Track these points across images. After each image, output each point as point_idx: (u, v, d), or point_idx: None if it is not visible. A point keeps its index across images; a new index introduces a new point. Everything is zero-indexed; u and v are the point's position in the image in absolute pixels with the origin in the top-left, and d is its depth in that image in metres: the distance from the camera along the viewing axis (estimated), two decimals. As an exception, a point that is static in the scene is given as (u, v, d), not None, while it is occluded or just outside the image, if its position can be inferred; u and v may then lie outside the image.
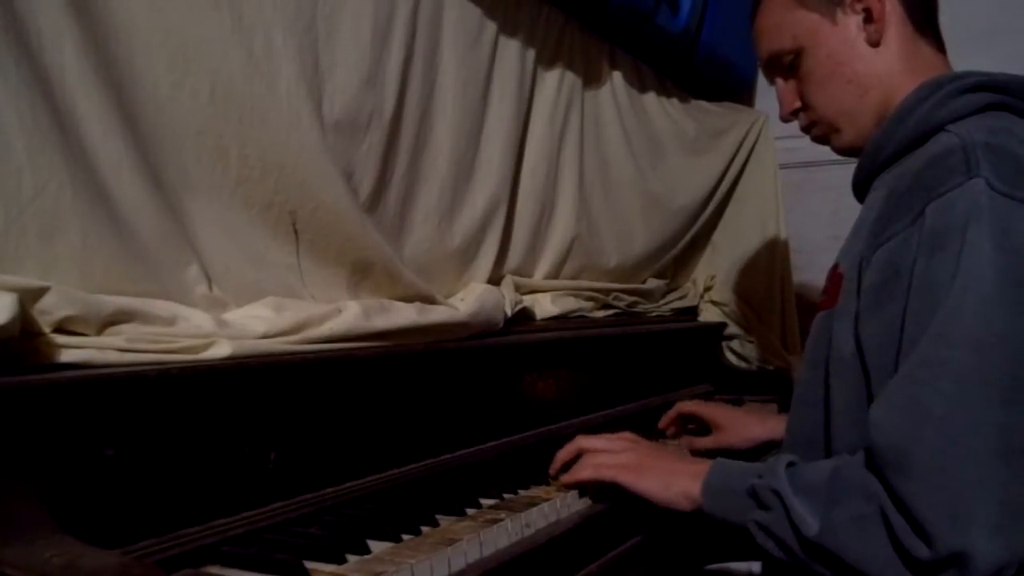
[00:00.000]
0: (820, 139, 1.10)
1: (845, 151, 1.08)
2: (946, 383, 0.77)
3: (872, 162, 1.01)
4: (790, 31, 1.06)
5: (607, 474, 0.99)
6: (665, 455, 1.03)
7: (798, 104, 1.10)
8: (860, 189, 1.04)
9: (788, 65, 1.08)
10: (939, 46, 1.05)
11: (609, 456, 1.01)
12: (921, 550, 0.73)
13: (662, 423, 1.39)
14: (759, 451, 1.28)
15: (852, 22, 1.02)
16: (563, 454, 1.06)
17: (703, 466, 0.95)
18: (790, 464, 0.87)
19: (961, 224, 0.80)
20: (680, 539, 1.07)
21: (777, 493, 0.84)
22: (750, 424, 1.31)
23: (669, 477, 0.96)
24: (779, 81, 1.12)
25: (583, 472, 1.01)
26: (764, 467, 0.89)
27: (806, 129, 1.11)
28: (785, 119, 1.13)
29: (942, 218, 0.82)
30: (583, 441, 1.06)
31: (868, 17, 1.01)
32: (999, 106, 0.91)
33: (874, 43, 1.02)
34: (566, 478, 1.02)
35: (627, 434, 1.10)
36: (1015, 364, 0.76)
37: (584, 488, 1.00)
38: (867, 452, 0.81)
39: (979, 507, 0.73)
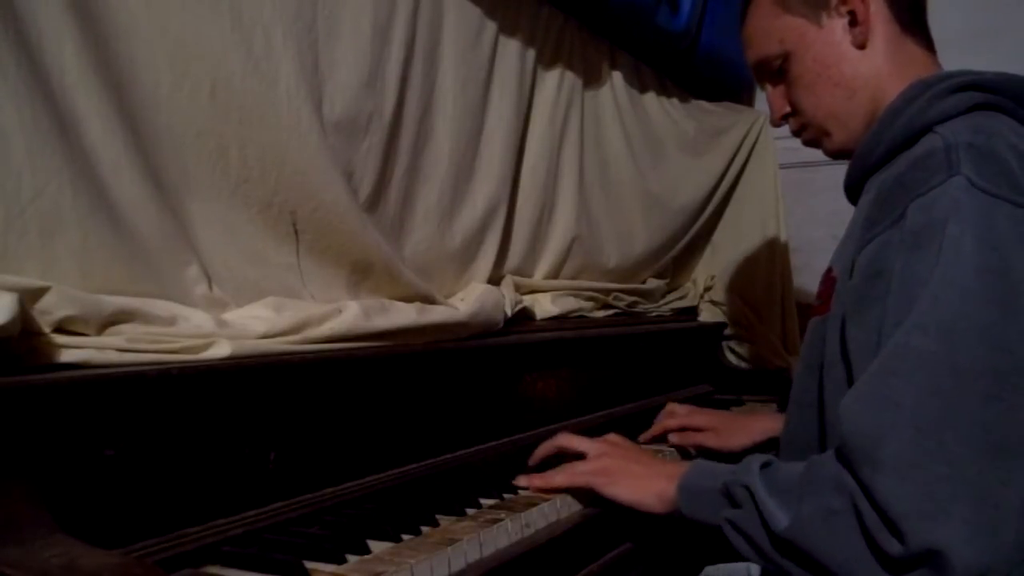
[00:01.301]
0: (811, 143, 1.10)
1: (836, 154, 1.08)
2: (919, 373, 0.75)
3: (863, 164, 1.00)
4: (776, 36, 1.06)
5: (580, 480, 0.99)
6: (645, 458, 1.02)
7: (788, 109, 1.09)
8: (852, 192, 1.04)
9: (776, 70, 1.08)
10: (928, 45, 1.04)
11: (584, 462, 1.01)
12: (893, 546, 0.71)
13: (644, 438, 1.35)
14: (760, 451, 1.28)
15: (837, 25, 1.02)
16: (543, 450, 1.07)
17: (680, 467, 0.95)
18: (766, 464, 0.86)
19: (941, 220, 0.79)
20: (679, 541, 1.07)
21: (748, 489, 0.83)
22: (743, 425, 1.31)
23: (643, 480, 0.96)
24: (769, 86, 1.12)
25: (557, 478, 1.01)
26: (739, 465, 0.88)
27: (797, 133, 1.11)
28: (776, 124, 1.13)
29: (923, 216, 0.81)
30: (563, 440, 1.07)
31: (853, 20, 1.01)
32: (988, 106, 0.91)
33: (860, 45, 1.01)
34: (539, 482, 1.01)
35: (612, 436, 1.09)
36: (996, 359, 0.74)
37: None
38: (838, 446, 0.79)
39: (954, 503, 0.70)
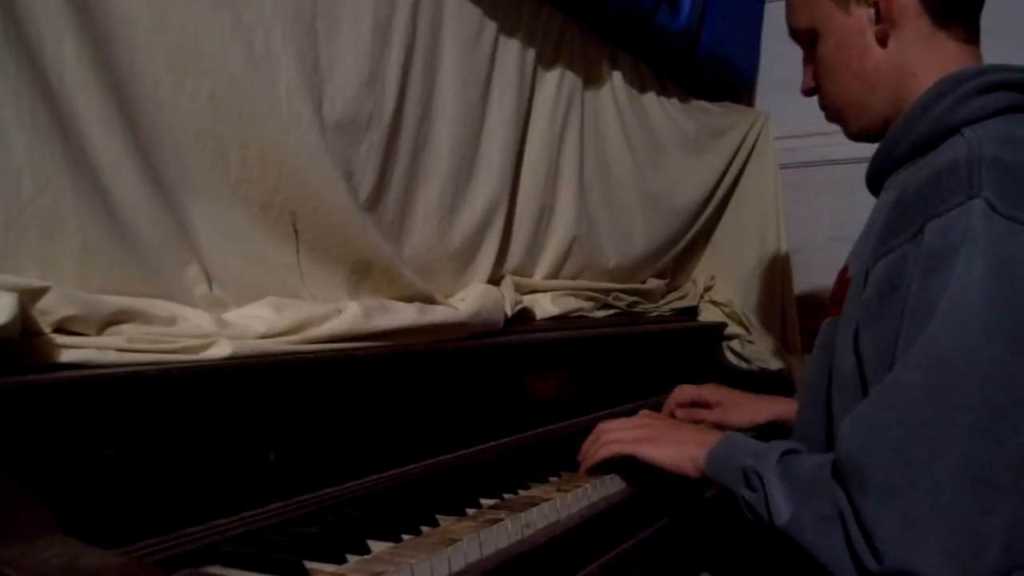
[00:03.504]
0: (833, 122, 1.09)
1: (856, 139, 1.07)
2: (907, 407, 0.77)
3: (886, 159, 0.99)
4: (808, 13, 1.04)
5: (623, 449, 1.05)
6: (679, 427, 1.09)
7: (814, 84, 1.08)
8: (874, 185, 1.03)
9: (808, 44, 1.06)
10: (967, 37, 0.99)
11: (625, 432, 1.06)
12: (871, 563, 0.74)
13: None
14: (765, 432, 1.30)
15: (864, 15, 0.99)
16: (586, 445, 1.10)
17: (713, 436, 0.99)
18: (787, 452, 0.88)
19: (956, 247, 0.78)
20: (680, 541, 1.08)
21: (761, 479, 0.87)
22: (747, 407, 1.34)
23: (680, 446, 1.01)
24: (804, 55, 1.10)
25: (600, 451, 1.06)
26: (763, 449, 0.91)
27: (823, 109, 1.10)
28: (804, 95, 1.11)
29: (939, 239, 0.80)
30: (602, 425, 1.11)
31: (878, 14, 0.98)
32: (1019, 108, 0.88)
33: (883, 41, 0.99)
34: (586, 463, 1.07)
35: (645, 411, 1.16)
36: (990, 392, 0.75)
37: (605, 469, 1.06)
38: (833, 462, 0.82)
39: (931, 532, 0.72)
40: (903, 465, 0.75)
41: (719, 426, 1.31)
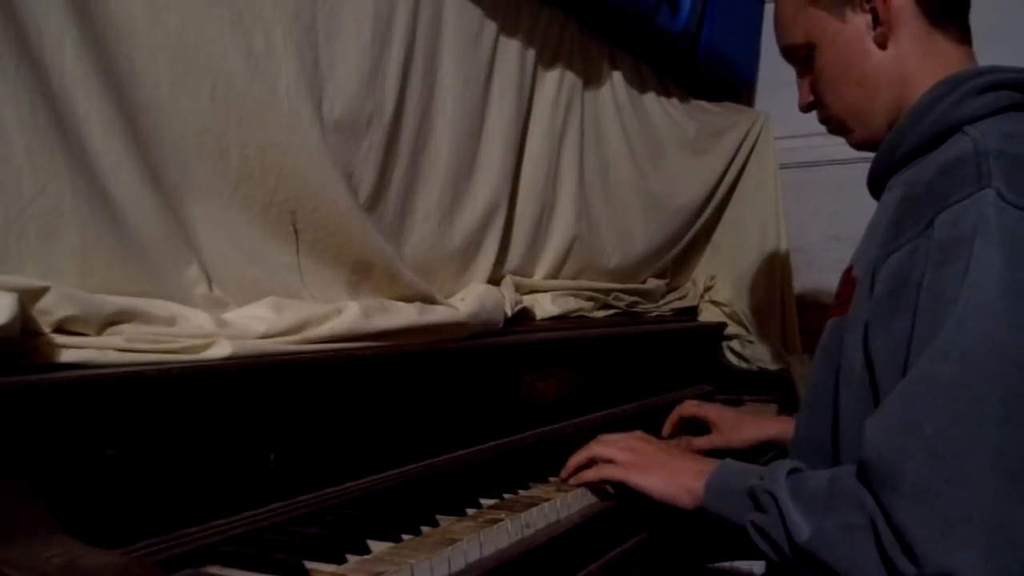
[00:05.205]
0: (836, 133, 1.09)
1: (860, 147, 1.07)
2: (940, 401, 0.76)
3: (887, 160, 0.99)
4: (802, 27, 1.04)
5: (614, 474, 1.01)
6: (673, 454, 1.04)
7: (812, 98, 1.08)
8: (875, 187, 1.03)
9: (803, 59, 1.06)
10: (962, 37, 1.00)
11: (617, 453, 1.03)
12: (908, 567, 0.73)
13: (665, 429, 1.38)
14: (759, 452, 1.28)
15: (861, 21, 1.00)
16: (575, 459, 1.07)
17: (708, 465, 0.96)
18: (793, 471, 0.87)
19: (969, 237, 0.78)
20: (681, 538, 1.08)
21: (774, 497, 0.84)
22: (747, 425, 1.31)
23: (673, 475, 0.98)
24: (797, 72, 1.10)
25: (588, 474, 1.03)
26: (767, 470, 0.89)
27: (823, 122, 1.10)
28: (802, 111, 1.11)
29: (951, 230, 0.80)
30: (600, 438, 1.08)
31: (876, 18, 0.99)
32: (1020, 106, 0.89)
33: (882, 44, 0.99)
34: (573, 480, 1.04)
35: (639, 433, 1.12)
36: (1017, 382, 0.74)
37: (592, 487, 1.03)
38: (860, 466, 0.80)
39: (969, 529, 0.72)
40: (937, 463, 0.74)
41: (716, 450, 1.28)
